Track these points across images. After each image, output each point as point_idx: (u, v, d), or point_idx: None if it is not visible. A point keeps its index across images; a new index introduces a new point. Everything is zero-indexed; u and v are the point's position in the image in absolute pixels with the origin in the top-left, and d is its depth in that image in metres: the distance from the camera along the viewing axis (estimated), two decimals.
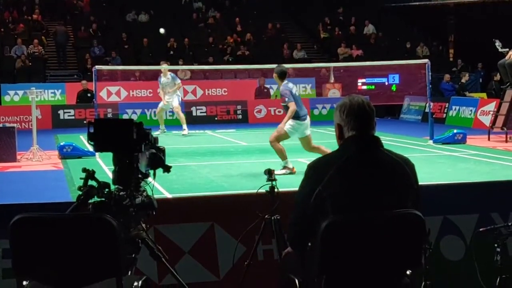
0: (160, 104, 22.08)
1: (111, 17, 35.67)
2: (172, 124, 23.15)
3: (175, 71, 23.27)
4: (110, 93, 27.59)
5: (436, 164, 14.76)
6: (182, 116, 21.91)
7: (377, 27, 36.98)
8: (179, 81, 22.07)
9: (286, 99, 13.36)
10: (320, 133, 22.03)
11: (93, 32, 33.59)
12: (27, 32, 32.87)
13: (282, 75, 13.75)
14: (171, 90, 21.58)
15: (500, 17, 34.86)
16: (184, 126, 21.61)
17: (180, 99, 22.43)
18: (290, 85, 13.67)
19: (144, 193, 4.68)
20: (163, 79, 21.72)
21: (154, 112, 25.75)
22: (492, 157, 15.85)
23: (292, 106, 13.25)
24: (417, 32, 38.11)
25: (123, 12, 35.99)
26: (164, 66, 21.90)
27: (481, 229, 5.63)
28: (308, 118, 13.64)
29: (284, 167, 13.36)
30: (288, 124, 13.33)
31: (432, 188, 6.70)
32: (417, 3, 40.37)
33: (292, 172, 13.22)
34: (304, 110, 13.56)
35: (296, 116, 13.30)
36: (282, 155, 13.49)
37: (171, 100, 21.66)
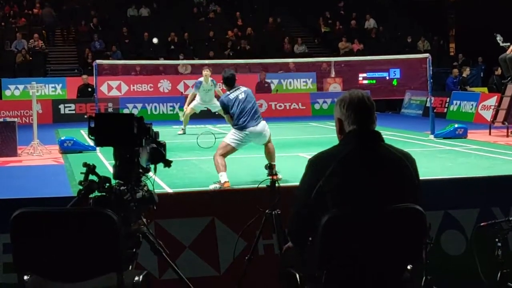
0: (192, 105, 20.76)
1: (112, 11, 35.64)
2: (171, 119, 23.07)
3: (175, 65, 23.24)
4: (111, 88, 27.59)
5: (437, 159, 14.76)
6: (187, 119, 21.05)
7: (378, 21, 36.95)
8: (218, 88, 20.74)
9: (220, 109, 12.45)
10: (320, 127, 22.04)
11: (93, 27, 33.57)
12: (28, 26, 32.85)
13: (226, 83, 12.41)
14: (212, 94, 20.65)
15: (501, 11, 34.80)
16: (184, 126, 20.90)
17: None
18: (230, 95, 12.11)
19: (145, 188, 4.68)
20: (204, 84, 20.59)
21: (155, 106, 25.78)
22: (493, 152, 15.85)
23: (227, 119, 12.23)
24: (418, 26, 38.07)
25: (124, 7, 35.95)
26: (206, 71, 20.82)
27: (482, 224, 5.63)
28: (260, 125, 12.08)
29: (219, 182, 11.66)
30: (230, 135, 12.11)
31: (433, 182, 6.69)
32: None
33: (222, 186, 11.44)
34: (245, 119, 11.95)
35: (234, 124, 12.01)
36: (218, 168, 11.80)
37: (213, 104, 20.57)
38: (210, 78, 20.64)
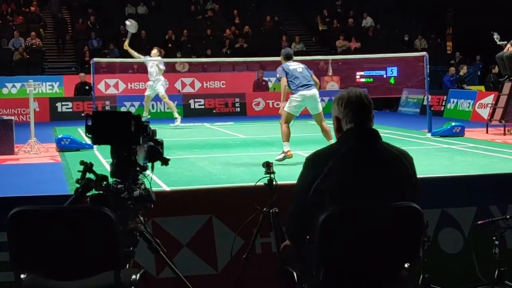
0: (146, 92, 22.03)
1: (110, 9, 35.61)
2: (168, 117, 23.01)
3: (173, 63, 23.28)
4: (108, 86, 27.57)
5: (434, 157, 14.76)
6: (171, 104, 22.09)
7: (375, 19, 36.96)
8: (162, 66, 21.71)
9: (278, 75, 14.05)
10: (317, 125, 22.02)
11: (91, 25, 33.55)
12: (25, 24, 32.82)
13: (286, 57, 14.23)
14: (157, 77, 21.53)
15: (498, 9, 34.81)
16: (176, 114, 21.65)
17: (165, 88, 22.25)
18: (286, 64, 14.01)
19: (142, 186, 4.68)
20: (149, 58, 21.72)
21: (153, 104, 25.80)
22: (490, 150, 15.85)
23: (283, 82, 13.79)
24: (415, 24, 38.11)
25: (122, 5, 35.92)
26: (154, 51, 21.95)
27: (479, 222, 5.64)
28: (311, 90, 13.80)
29: (282, 152, 13.58)
30: (287, 104, 13.74)
31: (430, 181, 6.69)
32: None
33: (287, 156, 13.47)
34: (302, 86, 13.75)
35: (293, 91, 13.77)
36: (284, 137, 13.74)
37: (156, 87, 21.56)
38: (158, 57, 21.60)
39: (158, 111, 25.90)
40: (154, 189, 4.76)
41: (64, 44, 33.05)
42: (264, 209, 5.76)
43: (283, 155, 13.54)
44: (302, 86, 13.77)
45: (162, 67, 21.50)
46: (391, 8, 39.47)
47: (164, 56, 28.85)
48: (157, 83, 21.51)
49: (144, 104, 22.26)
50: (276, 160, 13.13)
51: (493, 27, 21.59)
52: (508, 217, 5.58)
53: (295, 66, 14.03)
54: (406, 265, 4.20)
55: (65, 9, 35.88)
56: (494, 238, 5.43)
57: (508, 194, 6.55)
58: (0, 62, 29.88)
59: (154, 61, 21.36)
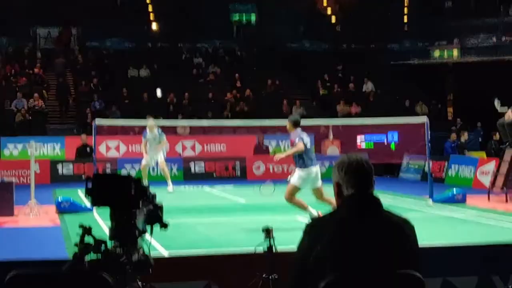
0: (144, 161, 21.64)
1: (112, 71, 35.90)
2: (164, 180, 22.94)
3: (174, 126, 23.37)
4: (109, 148, 27.59)
5: (436, 225, 14.69)
6: (167, 172, 21.98)
7: (376, 84, 37.20)
8: (165, 138, 21.74)
9: (296, 139, 13.74)
10: None
11: (94, 87, 33.78)
12: (28, 85, 33.04)
13: (295, 124, 14.06)
14: (158, 146, 21.39)
15: (498, 76, 35.09)
16: (169, 182, 21.50)
17: (165, 155, 22.24)
18: (302, 133, 13.93)
19: (141, 250, 4.64)
20: (148, 134, 21.42)
21: (153, 168, 25.79)
22: (492, 218, 15.77)
23: (300, 145, 13.60)
24: (416, 90, 38.32)
25: (124, 67, 36.23)
26: (150, 122, 21.74)
27: None
28: (317, 167, 13.86)
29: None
30: (296, 175, 13.70)
31: (431, 249, 6.65)
32: (416, 62, 40.76)
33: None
34: (313, 160, 13.80)
35: (303, 165, 13.64)
36: (302, 206, 13.76)
37: (157, 156, 21.43)
38: (156, 128, 21.37)
39: (158, 174, 25.87)
40: (152, 253, 4.72)
41: (67, 107, 33.20)
42: (264, 275, 5.71)
43: None
44: (313, 160, 13.85)
45: (164, 138, 21.66)
46: (391, 73, 39.77)
47: (165, 118, 29.08)
48: (157, 153, 21.48)
49: (142, 173, 21.79)
50: None
51: (494, 93, 21.72)
52: (510, 287, 5.53)
53: (307, 138, 13.99)
54: None
55: (69, 71, 36.17)
56: None
57: (511, 264, 6.49)
58: (2, 123, 30.02)
59: (156, 134, 21.40)
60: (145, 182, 20.90)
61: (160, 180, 22.01)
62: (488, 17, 40.42)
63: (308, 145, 13.90)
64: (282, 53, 40.53)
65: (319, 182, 13.85)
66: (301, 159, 13.73)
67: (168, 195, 19.79)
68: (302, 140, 13.66)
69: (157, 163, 22.11)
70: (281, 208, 15.75)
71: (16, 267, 4.16)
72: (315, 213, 13.49)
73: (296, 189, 13.77)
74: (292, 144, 14.17)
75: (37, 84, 33.57)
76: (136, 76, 35.98)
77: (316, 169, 13.79)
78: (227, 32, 43.02)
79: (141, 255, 4.61)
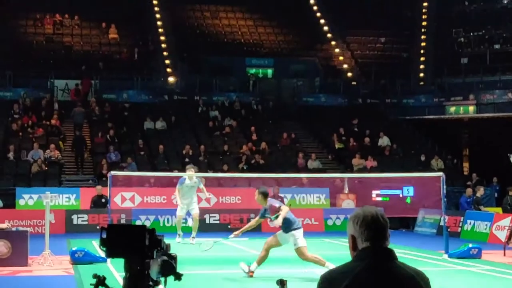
0: (179, 212, 21.78)
1: (128, 123, 36.13)
2: (183, 232, 22.93)
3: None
4: (124, 199, 27.63)
5: (451, 280, 14.59)
6: (197, 224, 21.93)
7: (392, 139, 37.24)
8: (202, 185, 22.04)
9: (277, 205, 14.47)
10: (333, 244, 21.94)
11: (110, 138, 33.97)
12: (45, 136, 33.27)
13: (266, 195, 14.84)
14: (197, 193, 21.68)
15: None
16: (195, 233, 21.58)
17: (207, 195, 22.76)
18: (276, 202, 14.90)
19: None
20: (187, 182, 21.52)
21: (167, 218, 25.80)
22: (507, 273, 15.65)
23: (286, 207, 14.38)
24: (432, 145, 38.35)
25: (141, 119, 36.46)
26: (191, 171, 21.88)
27: None
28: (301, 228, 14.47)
29: None
30: (298, 237, 14.18)
31: None
32: (432, 117, 40.85)
33: None
34: (298, 221, 14.58)
35: (297, 226, 14.29)
36: (320, 262, 13.97)
37: (192, 206, 21.57)
38: (194, 176, 21.42)
39: (173, 225, 25.86)
40: None
41: (82, 159, 33.34)
42: None
43: None
44: (298, 221, 14.64)
45: (202, 186, 22.00)
46: (407, 128, 39.83)
47: (180, 171, 29.15)
48: (192, 203, 21.75)
49: (177, 224, 22.14)
50: None
51: (510, 149, 21.69)
52: None
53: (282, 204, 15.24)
54: None
55: (85, 123, 36.42)
56: None
57: None
58: (18, 173, 30.18)
59: (195, 181, 21.71)
60: (180, 232, 21.09)
61: (175, 232, 21.98)
62: (504, 73, 40.56)
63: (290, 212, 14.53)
64: (298, 107, 40.75)
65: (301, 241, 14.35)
66: (291, 223, 14.25)
67: (186, 246, 19.82)
68: (282, 203, 14.66)
69: (189, 214, 22.35)
70: (295, 261, 15.69)
71: None
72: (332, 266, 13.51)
73: (306, 248, 14.20)
74: (273, 211, 14.46)
75: (54, 135, 33.80)
76: (152, 128, 36.17)
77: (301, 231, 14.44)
78: (244, 85, 43.33)
79: None
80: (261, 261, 14.40)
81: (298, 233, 14.17)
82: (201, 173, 29.06)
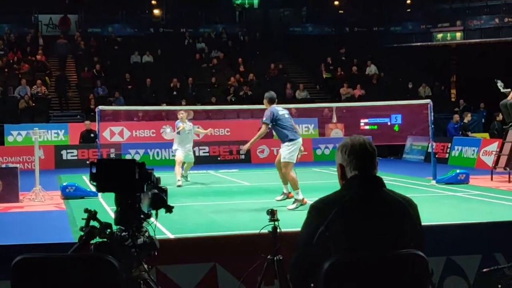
0: (180, 156, 19.49)
1: (115, 57, 35.89)
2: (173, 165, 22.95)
3: (177, 111, 23.24)
4: (113, 133, 27.63)
5: (439, 204, 14.73)
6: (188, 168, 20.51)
7: (379, 67, 37.17)
8: (197, 128, 20.53)
9: (264, 119, 14.06)
10: (322, 173, 22.07)
11: (96, 73, 33.78)
12: (31, 72, 33.04)
13: (270, 101, 14.29)
14: (193, 137, 20.10)
15: (501, 58, 35.04)
16: (185, 173, 20.21)
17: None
18: (275, 108, 14.18)
19: (146, 234, 4.66)
20: (186, 126, 19.75)
21: (157, 152, 25.78)
22: (495, 197, 15.81)
23: (262, 129, 14.15)
24: (419, 72, 38.29)
25: (127, 53, 36.22)
26: (182, 112, 20.17)
27: (484, 270, 5.62)
28: (300, 139, 14.19)
29: (295, 200, 13.69)
30: (285, 151, 13.89)
31: (435, 228, 6.68)
32: (419, 44, 40.69)
33: (303, 203, 13.52)
34: (295, 134, 14.10)
35: (288, 139, 13.94)
36: (294, 186, 13.82)
37: (191, 153, 20.00)
38: (187, 120, 19.98)
39: (163, 158, 25.95)
40: (158, 236, 4.75)
41: (66, 99, 33.09)
42: (269, 256, 5.75)
43: (297, 203, 13.53)
44: (297, 133, 14.12)
45: (197, 129, 20.50)
46: (394, 56, 39.71)
47: (168, 104, 29.04)
48: (191, 149, 20.07)
49: (177, 170, 19.46)
50: (289, 209, 13.17)
51: (497, 74, 21.69)
52: None
53: (283, 111, 14.23)
54: None
55: (71, 58, 36.17)
56: (499, 286, 5.40)
57: None
58: (6, 110, 30.03)
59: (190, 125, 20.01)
60: (179, 177, 19.22)
61: (165, 165, 22.01)
62: None
63: (287, 120, 14.11)
64: (285, 37, 40.50)
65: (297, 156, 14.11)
66: (284, 132, 14.02)
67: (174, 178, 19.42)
68: (268, 118, 13.95)
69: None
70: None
71: (22, 251, 4.19)
72: (300, 197, 13.72)
73: (291, 164, 13.90)
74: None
75: (40, 71, 33.56)
76: (139, 61, 35.97)
77: (300, 141, 14.17)
78: (230, 16, 42.97)
79: (146, 239, 4.63)
80: (295, 184, 13.87)
81: (291, 146, 13.94)
82: (189, 106, 29.06)
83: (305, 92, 34.24)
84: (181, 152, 19.49)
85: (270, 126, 14.13)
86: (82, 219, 4.54)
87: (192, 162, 20.25)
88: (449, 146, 25.86)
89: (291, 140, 13.94)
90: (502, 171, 19.91)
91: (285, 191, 14.04)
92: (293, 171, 13.90)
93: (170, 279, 5.91)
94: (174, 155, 21.73)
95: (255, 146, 27.10)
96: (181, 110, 20.84)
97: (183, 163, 19.69)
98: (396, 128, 30.35)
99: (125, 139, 27.62)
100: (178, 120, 19.81)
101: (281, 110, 14.21)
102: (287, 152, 13.90)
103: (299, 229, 4.32)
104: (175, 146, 19.82)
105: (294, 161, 13.95)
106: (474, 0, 40.81)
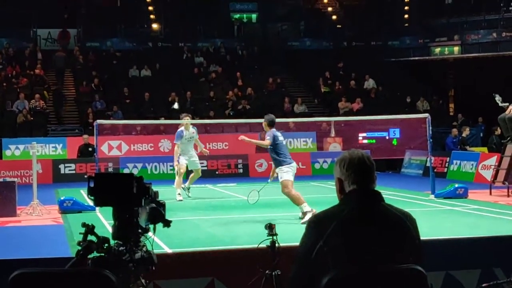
0: (183, 164, 19.02)
1: (113, 72, 35.93)
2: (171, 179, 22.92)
3: (176, 125, 23.26)
4: (111, 147, 27.61)
5: (438, 219, 14.71)
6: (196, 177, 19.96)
7: (377, 81, 37.22)
8: (197, 137, 19.99)
9: (268, 137, 14.44)
10: (320, 187, 22.05)
11: (95, 87, 33.80)
12: (29, 86, 33.05)
13: (270, 124, 14.69)
14: (195, 145, 19.69)
15: (499, 72, 35.11)
16: (189, 184, 19.86)
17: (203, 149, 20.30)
18: (276, 132, 14.60)
19: (144, 248, 4.64)
20: (185, 133, 19.23)
21: (155, 166, 25.76)
22: (494, 212, 15.79)
23: (267, 141, 14.45)
24: (417, 86, 38.34)
25: (126, 67, 36.26)
26: (186, 120, 19.67)
27: (483, 285, 5.59)
28: (294, 163, 14.69)
29: (306, 213, 13.80)
30: (284, 172, 14.29)
31: (434, 243, 6.67)
32: (417, 58, 40.76)
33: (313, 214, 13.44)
34: (290, 160, 14.57)
35: (284, 162, 14.41)
36: (299, 201, 14.15)
37: (196, 159, 19.50)
38: (190, 126, 19.54)
39: (161, 172, 25.93)
40: (156, 251, 4.73)
41: (59, 109, 33.12)
42: (267, 271, 5.73)
43: (308, 215, 13.53)
44: (290, 158, 14.59)
45: (197, 138, 19.94)
46: (393, 70, 39.78)
47: (167, 118, 28.98)
48: (195, 155, 19.58)
49: (178, 179, 19.07)
50: (303, 223, 13.14)
51: (495, 89, 21.71)
52: None
53: (281, 138, 14.72)
54: None
55: (69, 72, 36.21)
56: None
57: None
58: (4, 124, 30.03)
59: (192, 132, 19.54)
60: (183, 188, 19.01)
61: (163, 179, 21.96)
62: (488, 13, 40.41)
63: (282, 145, 14.61)
64: (283, 51, 40.57)
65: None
66: (280, 158, 14.42)
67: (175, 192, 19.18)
68: (271, 139, 14.34)
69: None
70: (282, 205, 15.82)
71: (19, 266, 4.17)
72: (308, 209, 13.81)
73: (291, 183, 14.27)
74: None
75: (38, 85, 33.56)
76: (138, 75, 36.01)
77: (295, 164, 14.65)
78: (228, 31, 43.07)
79: (144, 253, 4.61)
80: (299, 200, 14.27)
81: (286, 168, 14.31)
82: (188, 120, 29.01)
83: (303, 106, 34.27)
84: (185, 160, 19.09)
85: (270, 147, 14.49)
86: (80, 233, 4.52)
87: (199, 170, 19.62)
88: (447, 160, 25.85)
89: (288, 164, 14.42)
90: (500, 185, 19.88)
91: (301, 211, 14.18)
92: (294, 189, 14.26)
93: None
94: (172, 169, 21.52)
95: (253, 160, 27.09)
96: (186, 116, 20.29)
97: (189, 171, 19.49)
98: (394, 142, 30.35)
99: (123, 153, 27.59)
100: (181, 129, 19.33)
101: (280, 136, 14.63)
102: (283, 173, 14.28)
103: (297, 243, 4.30)
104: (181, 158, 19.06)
105: (292, 179, 14.28)
106: (472, 14, 40.91)
